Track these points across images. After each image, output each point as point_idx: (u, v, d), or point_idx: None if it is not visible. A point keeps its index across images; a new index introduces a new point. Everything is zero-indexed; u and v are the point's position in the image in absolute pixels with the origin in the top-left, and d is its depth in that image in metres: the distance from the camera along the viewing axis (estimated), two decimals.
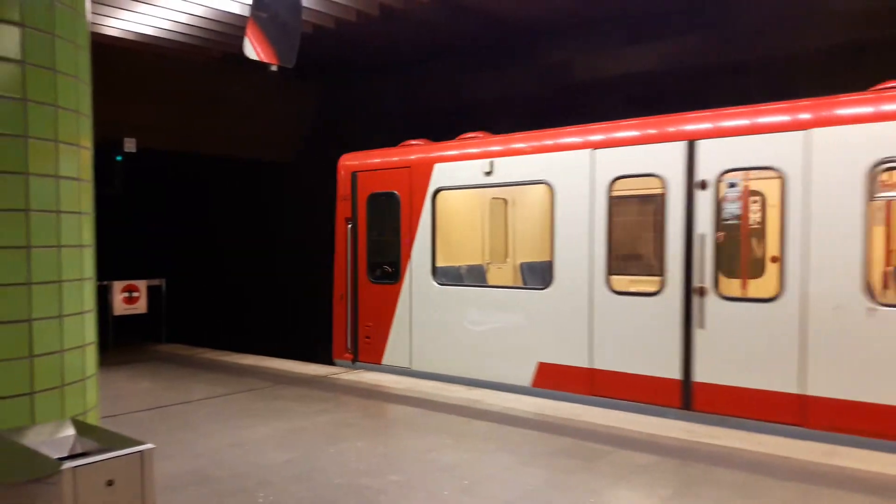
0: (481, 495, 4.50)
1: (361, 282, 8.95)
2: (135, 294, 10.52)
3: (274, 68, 7.23)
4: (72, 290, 2.82)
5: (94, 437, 2.42)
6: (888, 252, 6.70)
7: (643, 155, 6.65)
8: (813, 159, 5.77)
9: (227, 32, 10.22)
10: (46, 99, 2.67)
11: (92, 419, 3.00)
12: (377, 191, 8.79)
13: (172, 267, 13.25)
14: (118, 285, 10.36)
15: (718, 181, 6.24)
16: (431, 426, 6.14)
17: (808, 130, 5.79)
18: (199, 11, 9.45)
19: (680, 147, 6.42)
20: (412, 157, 8.49)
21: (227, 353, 10.27)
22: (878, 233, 6.44)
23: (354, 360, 9.07)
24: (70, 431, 2.49)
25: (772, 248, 6.86)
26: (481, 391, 7.43)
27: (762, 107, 6.24)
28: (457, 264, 8.65)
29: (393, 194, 8.57)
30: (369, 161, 8.96)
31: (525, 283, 8.87)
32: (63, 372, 2.78)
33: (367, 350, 8.90)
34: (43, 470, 2.06)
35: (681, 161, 6.40)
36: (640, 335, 6.65)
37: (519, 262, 9.28)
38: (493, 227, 9.27)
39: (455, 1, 10.13)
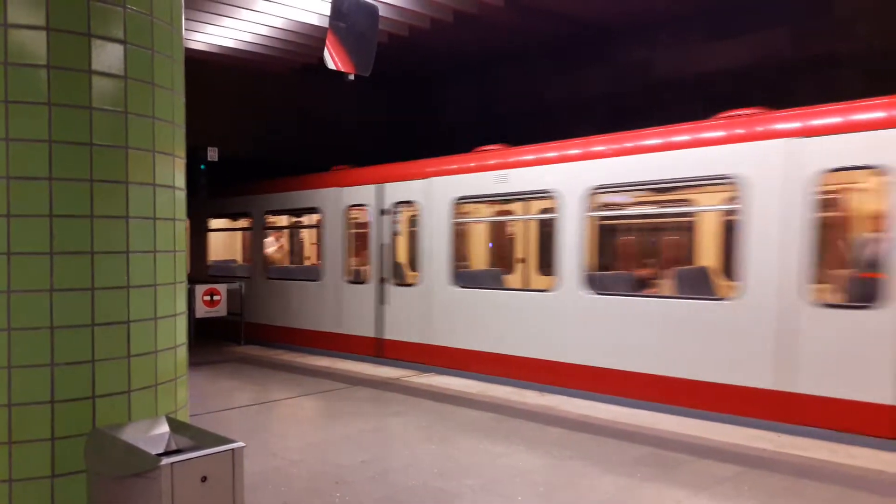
0: (557, 502, 4.46)
1: None
2: (216, 297, 10.91)
3: (351, 77, 7.38)
4: (165, 294, 2.96)
5: (188, 434, 2.53)
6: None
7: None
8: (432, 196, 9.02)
9: (305, 43, 10.50)
10: (145, 111, 2.81)
11: (182, 417, 3.13)
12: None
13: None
14: (200, 289, 10.77)
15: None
16: (505, 431, 6.12)
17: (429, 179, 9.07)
18: (279, 24, 9.74)
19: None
20: None
21: (301, 355, 10.53)
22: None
23: None
24: (164, 429, 2.62)
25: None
26: (555, 397, 7.37)
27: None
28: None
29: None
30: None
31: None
32: (157, 371, 2.92)
33: None
34: (143, 465, 2.16)
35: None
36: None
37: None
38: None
39: (529, 3, 10.09)
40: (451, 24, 10.15)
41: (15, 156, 2.54)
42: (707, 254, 8.61)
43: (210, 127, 11.20)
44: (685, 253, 9.31)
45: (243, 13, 9.37)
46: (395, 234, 9.76)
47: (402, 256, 10.26)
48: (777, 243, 6.04)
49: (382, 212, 9.74)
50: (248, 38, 10.39)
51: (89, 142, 2.65)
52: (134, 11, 2.74)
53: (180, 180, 3.06)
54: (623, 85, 11.27)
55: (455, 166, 8.86)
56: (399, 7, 9.52)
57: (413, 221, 10.01)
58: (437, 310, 8.90)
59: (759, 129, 6.24)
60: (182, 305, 3.11)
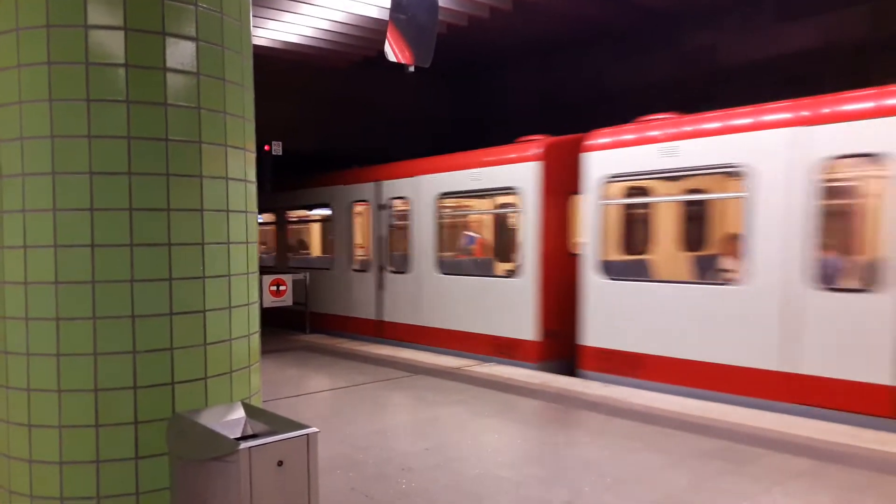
0: (624, 494, 4.41)
1: None
2: (282, 287, 11.17)
3: (411, 69, 7.41)
4: (239, 284, 3.04)
5: (263, 419, 2.60)
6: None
7: None
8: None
9: (365, 37, 10.59)
10: (216, 106, 2.89)
11: (255, 403, 3.22)
12: None
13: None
14: (267, 279, 11.04)
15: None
16: (569, 421, 6.08)
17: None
18: (340, 17, 9.86)
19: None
20: None
21: (363, 344, 10.69)
22: None
23: None
24: (240, 414, 2.70)
25: None
26: (619, 389, 7.27)
27: None
28: None
29: None
30: None
31: None
32: (231, 359, 3.00)
33: None
34: (222, 449, 2.23)
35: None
36: None
37: None
38: None
39: None
40: (510, 13, 10.06)
41: (97, 152, 2.65)
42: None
43: (271, 121, 11.44)
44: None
45: (304, 7, 9.52)
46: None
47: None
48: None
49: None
50: (310, 32, 10.54)
51: (165, 137, 2.73)
52: (205, 9, 2.81)
53: (251, 173, 3.14)
54: (687, 71, 10.96)
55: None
56: None
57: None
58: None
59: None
60: (255, 295, 3.19)
